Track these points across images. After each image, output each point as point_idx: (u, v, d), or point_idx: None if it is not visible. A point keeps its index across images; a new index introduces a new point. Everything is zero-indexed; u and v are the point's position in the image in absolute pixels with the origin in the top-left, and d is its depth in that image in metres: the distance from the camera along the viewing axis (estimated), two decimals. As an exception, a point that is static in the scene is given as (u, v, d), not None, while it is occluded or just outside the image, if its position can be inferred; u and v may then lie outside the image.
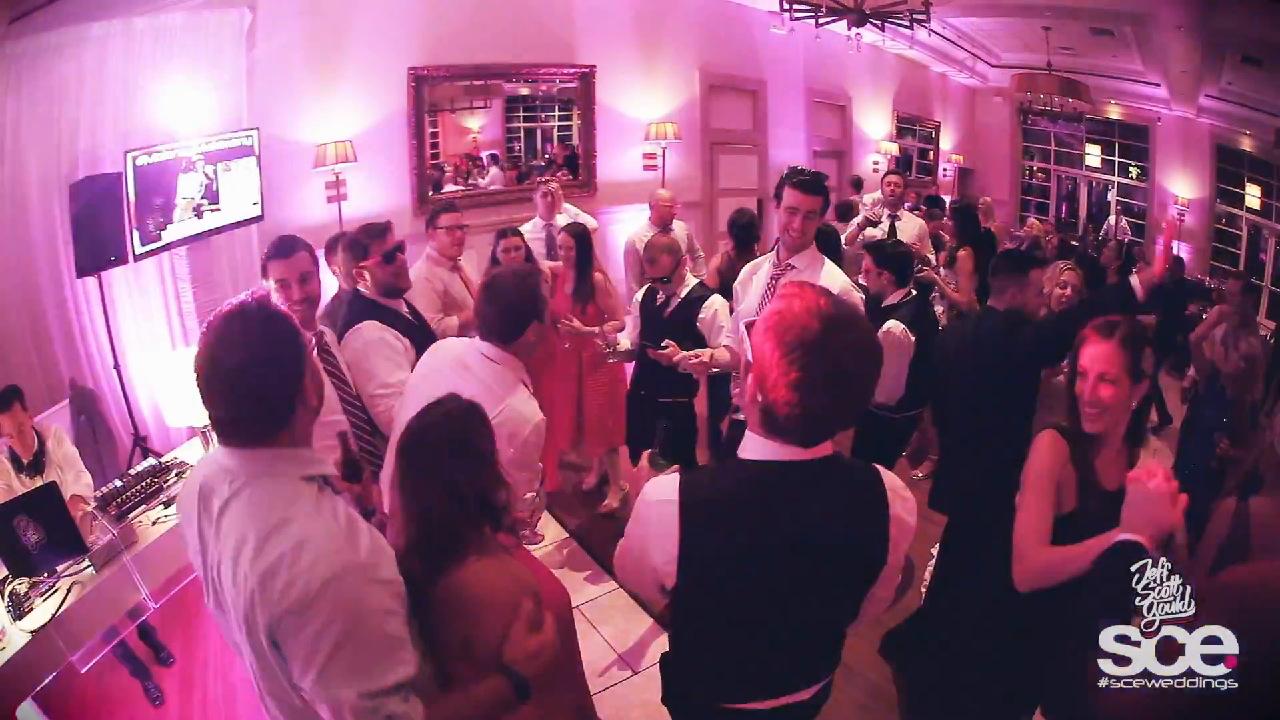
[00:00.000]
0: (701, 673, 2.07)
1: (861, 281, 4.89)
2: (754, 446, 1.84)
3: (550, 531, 5.55)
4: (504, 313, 2.95)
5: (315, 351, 1.90)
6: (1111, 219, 11.40)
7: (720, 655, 2.00)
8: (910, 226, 7.08)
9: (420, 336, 3.62)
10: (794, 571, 1.82)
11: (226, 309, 1.74)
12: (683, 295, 4.68)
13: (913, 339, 4.49)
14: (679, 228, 6.86)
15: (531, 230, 6.41)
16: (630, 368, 5.20)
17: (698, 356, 4.13)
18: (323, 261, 4.91)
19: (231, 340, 1.67)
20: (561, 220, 6.58)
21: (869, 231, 7.22)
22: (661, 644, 4.30)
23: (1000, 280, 4.10)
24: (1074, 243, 11.19)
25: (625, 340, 4.94)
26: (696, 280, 4.87)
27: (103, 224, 5.19)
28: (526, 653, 1.89)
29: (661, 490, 1.86)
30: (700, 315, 4.57)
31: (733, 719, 2.05)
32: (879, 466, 1.92)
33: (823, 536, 1.81)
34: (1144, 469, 2.04)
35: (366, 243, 3.60)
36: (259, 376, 1.67)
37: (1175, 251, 7.74)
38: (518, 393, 2.92)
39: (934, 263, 6.89)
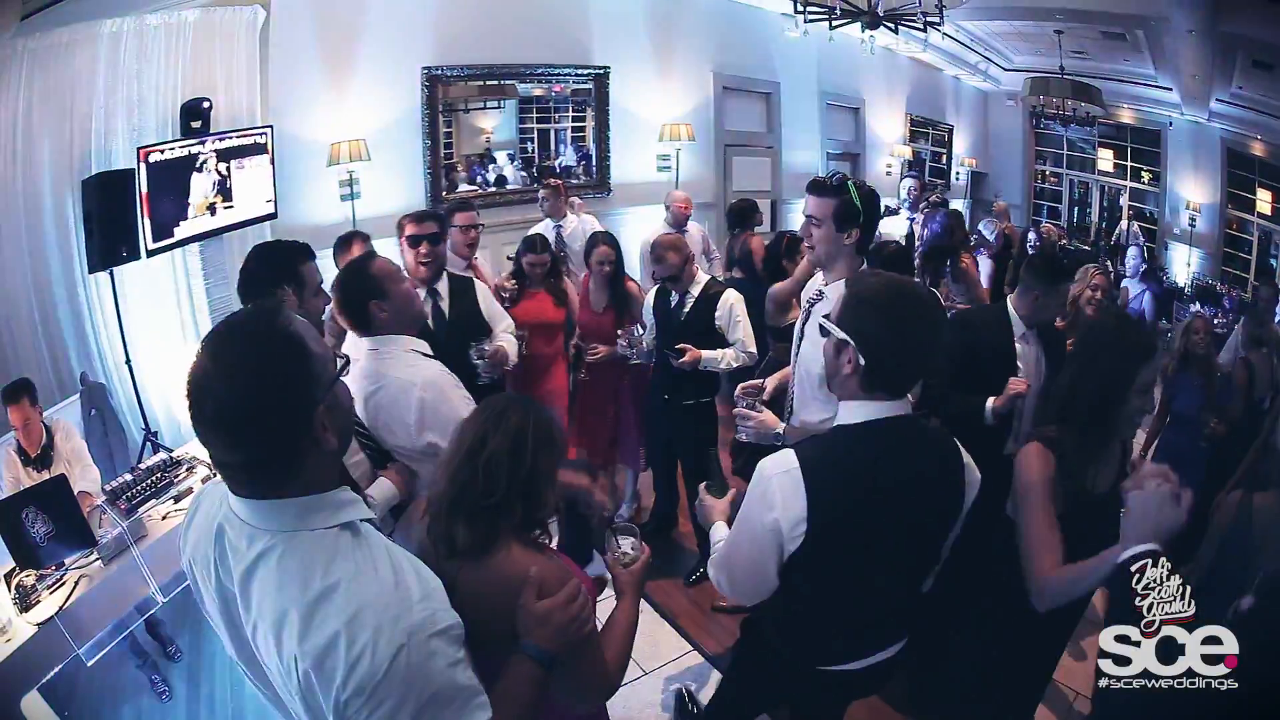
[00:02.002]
0: (807, 638, 2.31)
1: None
2: (852, 412, 2.12)
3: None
4: (344, 307, 3.02)
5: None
6: (1124, 224, 11.34)
7: (828, 616, 2.24)
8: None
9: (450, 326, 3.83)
10: (901, 515, 2.09)
11: (227, 319, 1.51)
12: (696, 294, 4.61)
13: None
14: (694, 229, 6.88)
15: (542, 232, 6.38)
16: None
17: (717, 359, 4.47)
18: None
19: (224, 361, 1.41)
20: (571, 221, 6.56)
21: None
22: (673, 645, 4.37)
23: (1031, 281, 3.83)
24: (1086, 247, 11.14)
25: (647, 341, 4.80)
26: (709, 277, 4.80)
27: (115, 220, 5.18)
28: (536, 618, 1.77)
29: (780, 462, 2.08)
30: (717, 313, 4.53)
31: (823, 680, 2.34)
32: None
33: (922, 480, 2.11)
34: (1141, 474, 2.05)
35: (403, 223, 3.76)
36: (255, 411, 1.41)
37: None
38: (420, 362, 3.03)
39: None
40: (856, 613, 2.23)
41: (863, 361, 2.04)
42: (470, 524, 1.90)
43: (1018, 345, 3.78)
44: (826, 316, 2.17)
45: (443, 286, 4.12)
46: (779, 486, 2.05)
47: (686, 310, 4.61)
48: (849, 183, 2.98)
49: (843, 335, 2.07)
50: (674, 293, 4.67)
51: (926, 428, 2.22)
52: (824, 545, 2.06)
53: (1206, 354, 5.07)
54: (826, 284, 3.10)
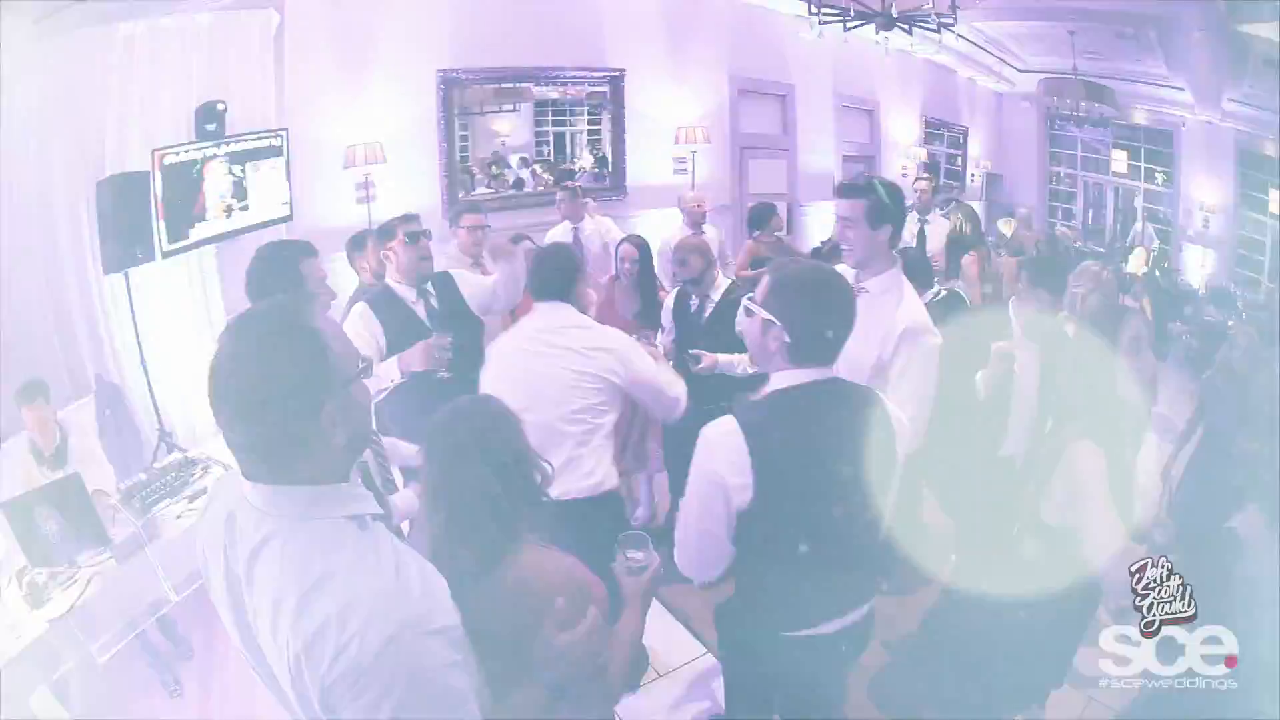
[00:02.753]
0: (770, 603, 2.38)
1: None
2: (783, 379, 2.29)
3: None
4: (556, 275, 3.33)
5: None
6: (1138, 225, 11.27)
7: (788, 577, 2.32)
8: (940, 230, 7.01)
9: (439, 324, 3.85)
10: (840, 466, 2.23)
11: (247, 309, 1.58)
12: (717, 299, 4.59)
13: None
14: (711, 232, 6.84)
15: (560, 235, 6.38)
16: None
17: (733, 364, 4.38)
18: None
19: (241, 344, 1.47)
20: (589, 225, 6.54)
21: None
22: (687, 648, 4.35)
23: (1029, 283, 3.99)
24: (1101, 249, 11.07)
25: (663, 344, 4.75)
26: (730, 281, 4.77)
27: (130, 222, 5.22)
28: (557, 651, 1.81)
29: (720, 426, 2.25)
30: (738, 317, 4.48)
31: (797, 648, 2.40)
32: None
33: (855, 431, 2.24)
34: None
35: (394, 227, 3.86)
36: (264, 398, 1.43)
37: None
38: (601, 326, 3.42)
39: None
40: (813, 571, 2.30)
41: (788, 340, 2.23)
42: (470, 543, 1.91)
43: (1015, 349, 3.82)
44: (751, 299, 2.35)
45: (430, 285, 4.10)
46: (721, 446, 2.22)
47: (707, 314, 4.60)
48: (876, 181, 3.14)
49: (769, 316, 2.25)
50: (694, 296, 4.64)
51: (853, 385, 2.39)
52: (771, 501, 2.20)
53: (1247, 371, 4.87)
54: (862, 282, 3.18)
